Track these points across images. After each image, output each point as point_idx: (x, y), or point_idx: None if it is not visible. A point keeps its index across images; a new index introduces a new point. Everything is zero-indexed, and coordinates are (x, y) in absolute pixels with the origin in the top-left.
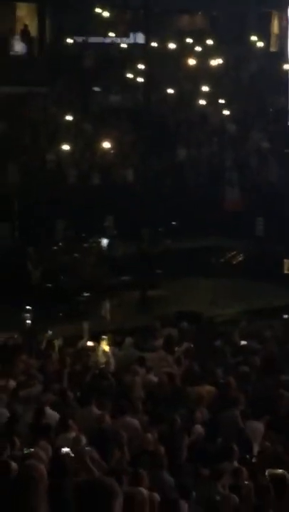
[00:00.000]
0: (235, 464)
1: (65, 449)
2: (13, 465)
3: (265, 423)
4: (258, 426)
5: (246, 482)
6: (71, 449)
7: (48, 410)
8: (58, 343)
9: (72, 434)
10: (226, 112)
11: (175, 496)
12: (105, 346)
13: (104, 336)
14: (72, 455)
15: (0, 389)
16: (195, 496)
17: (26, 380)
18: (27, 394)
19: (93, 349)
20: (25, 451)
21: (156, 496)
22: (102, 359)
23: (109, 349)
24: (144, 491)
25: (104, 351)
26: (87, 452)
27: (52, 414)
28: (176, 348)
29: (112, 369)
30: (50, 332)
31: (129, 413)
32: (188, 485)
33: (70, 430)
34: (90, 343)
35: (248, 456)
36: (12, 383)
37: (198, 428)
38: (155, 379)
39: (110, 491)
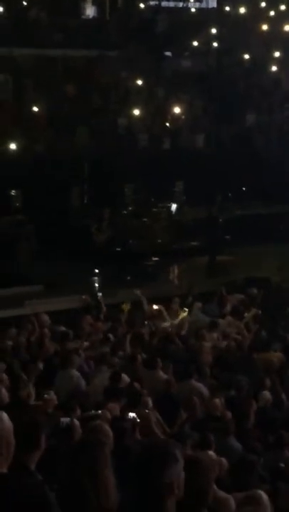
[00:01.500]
0: None
1: (132, 414)
2: (77, 425)
3: None
4: None
5: None
6: (137, 413)
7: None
8: (125, 307)
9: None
10: None
11: (252, 457)
12: (179, 310)
13: (173, 301)
14: (138, 420)
15: (71, 351)
16: (262, 462)
17: (95, 342)
18: (97, 356)
19: (163, 313)
20: (93, 413)
21: (224, 461)
22: (172, 323)
23: (183, 315)
24: (213, 455)
25: (176, 315)
26: (152, 416)
27: (123, 378)
28: (246, 314)
29: (184, 333)
30: (100, 295)
31: (196, 378)
32: (256, 450)
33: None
34: (156, 307)
35: None
36: (85, 344)
37: (266, 394)
38: (223, 344)
39: (165, 455)
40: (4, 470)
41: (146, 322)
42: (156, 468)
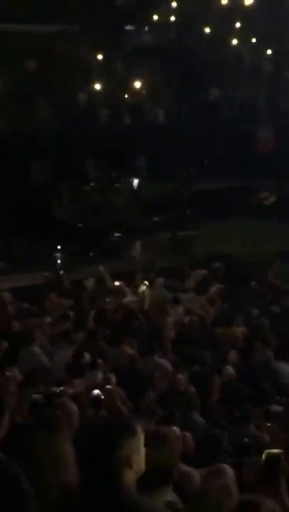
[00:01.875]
0: (270, 405)
1: (96, 391)
2: (41, 400)
3: None
4: (287, 368)
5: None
6: (100, 389)
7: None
8: (88, 283)
9: (101, 374)
10: (260, 52)
11: (216, 432)
12: (140, 285)
13: (135, 276)
14: (103, 396)
15: (33, 327)
16: (227, 437)
17: (58, 318)
18: (59, 333)
19: (124, 289)
20: (56, 390)
21: (188, 435)
22: (134, 299)
23: (143, 289)
24: (177, 430)
25: (137, 291)
26: (116, 392)
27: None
28: (212, 288)
29: (145, 308)
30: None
31: (160, 353)
32: (221, 425)
33: (99, 369)
34: (118, 283)
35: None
36: (47, 320)
37: (230, 369)
38: (186, 320)
39: (123, 429)
40: None
41: (107, 299)
42: (113, 442)
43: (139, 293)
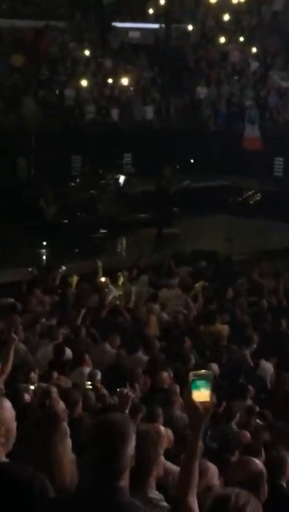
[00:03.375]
0: (249, 402)
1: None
2: (26, 396)
3: (275, 363)
4: (268, 366)
5: (257, 420)
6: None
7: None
8: (73, 279)
9: (87, 369)
10: (247, 50)
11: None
12: (121, 283)
13: (120, 273)
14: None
15: (16, 324)
16: (210, 434)
17: (41, 315)
18: (42, 329)
19: (108, 286)
20: (35, 386)
21: (170, 432)
22: (117, 296)
23: (125, 286)
24: (161, 428)
25: (120, 288)
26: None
27: (67, 350)
28: (196, 285)
29: (130, 305)
30: (63, 268)
31: (143, 351)
32: None
33: (85, 365)
34: (104, 279)
35: (261, 395)
36: (28, 318)
37: (214, 366)
38: (170, 317)
39: (127, 429)
40: (3, 459)
41: (93, 295)
42: (121, 443)
43: (124, 290)
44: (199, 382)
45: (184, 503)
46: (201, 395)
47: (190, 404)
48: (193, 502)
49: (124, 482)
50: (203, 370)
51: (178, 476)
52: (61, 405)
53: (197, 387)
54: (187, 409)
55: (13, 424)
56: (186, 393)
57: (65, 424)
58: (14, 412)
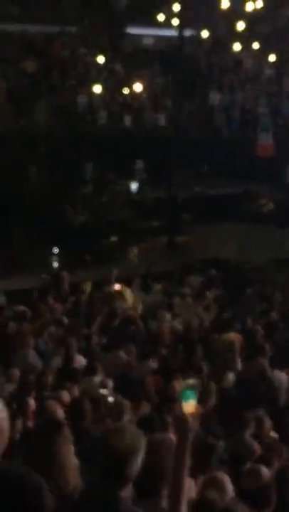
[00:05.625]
0: (261, 412)
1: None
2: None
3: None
4: (283, 377)
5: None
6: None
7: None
8: (85, 286)
9: (99, 378)
10: (261, 57)
11: (212, 441)
12: (133, 291)
13: (132, 281)
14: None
15: (27, 332)
16: (223, 444)
17: (51, 323)
18: (52, 337)
19: (121, 294)
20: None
21: None
22: (130, 304)
23: (137, 294)
24: (172, 437)
25: (131, 296)
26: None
27: (78, 359)
28: (207, 293)
29: (139, 314)
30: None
31: (155, 359)
32: (216, 434)
33: (97, 374)
34: (117, 287)
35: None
36: (38, 326)
37: (230, 376)
38: (183, 326)
39: (133, 448)
40: None
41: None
42: (132, 456)
43: (137, 298)
44: (189, 393)
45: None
46: (189, 406)
47: (180, 417)
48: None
49: (125, 492)
50: (191, 380)
51: (170, 487)
52: (60, 413)
53: (187, 398)
54: (175, 421)
55: (6, 424)
56: (177, 405)
57: (67, 429)
58: (6, 412)
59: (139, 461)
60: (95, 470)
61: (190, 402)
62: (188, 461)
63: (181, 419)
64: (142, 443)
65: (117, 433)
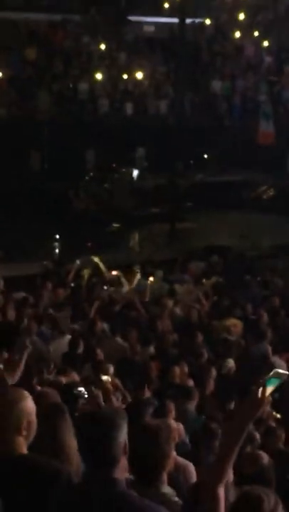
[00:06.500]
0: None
1: (81, 388)
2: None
3: (286, 359)
4: (282, 363)
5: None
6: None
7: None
8: (86, 273)
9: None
10: (262, 45)
11: (212, 425)
12: (135, 277)
13: (134, 267)
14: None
15: (30, 317)
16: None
17: (54, 309)
18: (56, 322)
19: (121, 279)
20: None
21: (182, 426)
22: (131, 290)
23: (139, 280)
24: (172, 422)
25: (134, 282)
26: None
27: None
28: (204, 281)
29: (145, 299)
30: (78, 262)
31: (156, 345)
32: (216, 418)
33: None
34: (115, 273)
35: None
36: (40, 312)
37: (230, 362)
38: (183, 312)
39: (110, 423)
40: (25, 451)
41: (105, 287)
42: (109, 431)
43: (141, 284)
44: (274, 380)
45: (214, 490)
46: (268, 391)
47: (260, 398)
48: (222, 491)
49: (120, 473)
50: (281, 370)
51: (213, 463)
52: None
53: (270, 384)
54: (253, 401)
55: (34, 417)
56: (262, 387)
57: (68, 414)
58: (34, 405)
59: (120, 437)
60: (81, 454)
61: (269, 389)
62: (242, 439)
63: (260, 399)
64: (120, 419)
65: (92, 412)
